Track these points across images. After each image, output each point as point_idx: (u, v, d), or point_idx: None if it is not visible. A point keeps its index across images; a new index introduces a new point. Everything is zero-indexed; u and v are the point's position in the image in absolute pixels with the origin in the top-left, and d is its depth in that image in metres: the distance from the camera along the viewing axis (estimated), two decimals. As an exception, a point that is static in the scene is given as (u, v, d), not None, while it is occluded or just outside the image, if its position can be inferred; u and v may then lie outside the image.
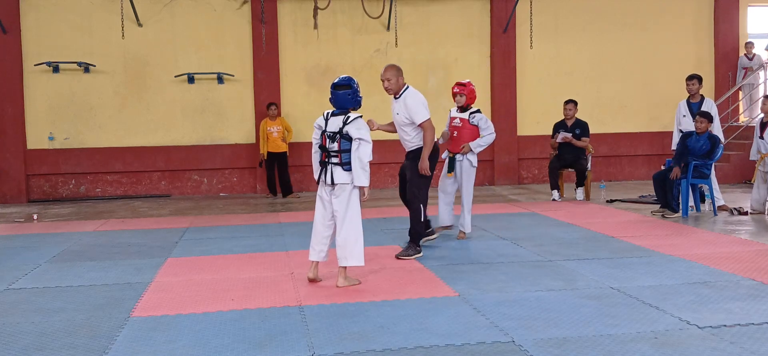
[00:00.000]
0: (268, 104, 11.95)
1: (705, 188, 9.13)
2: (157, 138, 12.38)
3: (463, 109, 7.28)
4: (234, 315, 4.62)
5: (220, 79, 12.38)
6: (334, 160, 5.29)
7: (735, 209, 8.91)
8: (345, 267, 5.37)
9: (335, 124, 5.32)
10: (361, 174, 5.25)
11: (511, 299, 4.89)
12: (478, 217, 8.79)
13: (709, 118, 8.69)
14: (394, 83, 6.29)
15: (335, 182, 5.29)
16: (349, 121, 5.29)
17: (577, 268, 5.83)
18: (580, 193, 10.54)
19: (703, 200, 9.24)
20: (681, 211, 8.68)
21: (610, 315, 4.46)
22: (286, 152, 11.93)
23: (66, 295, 5.29)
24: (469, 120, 7.23)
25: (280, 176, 11.96)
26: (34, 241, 7.77)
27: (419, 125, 6.27)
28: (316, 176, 5.47)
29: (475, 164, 7.30)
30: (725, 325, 4.19)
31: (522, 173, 13.41)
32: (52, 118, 12.09)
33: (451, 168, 7.28)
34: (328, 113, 5.43)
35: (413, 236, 6.46)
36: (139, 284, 5.59)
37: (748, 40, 13.83)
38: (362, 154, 5.25)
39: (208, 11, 12.37)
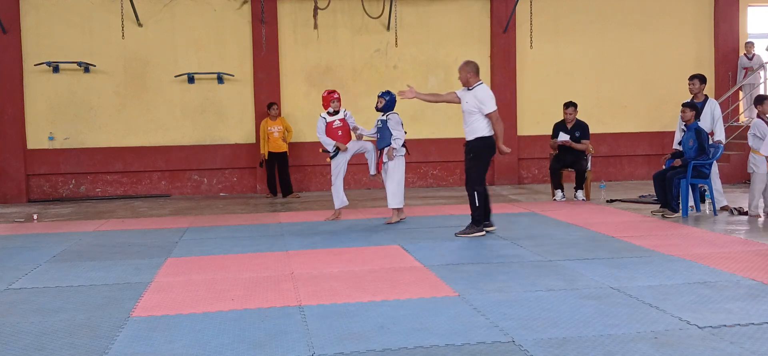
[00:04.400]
0: (268, 104, 11.95)
1: (705, 188, 9.13)
2: (157, 138, 12.39)
3: (336, 112, 8.81)
4: (234, 315, 4.62)
5: (220, 79, 12.39)
6: None
7: (735, 209, 8.91)
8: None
9: None
10: None
11: (511, 299, 4.89)
12: (478, 217, 8.81)
13: (691, 106, 8.74)
14: (470, 77, 7.42)
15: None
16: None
17: (577, 268, 5.83)
18: (579, 195, 10.47)
19: (703, 200, 9.24)
20: (681, 211, 8.68)
21: (610, 315, 4.46)
22: (286, 152, 11.93)
23: (66, 295, 5.28)
24: (345, 118, 8.82)
25: (281, 176, 11.96)
26: (34, 241, 7.77)
27: (488, 115, 7.29)
28: None
29: None
30: (725, 325, 4.19)
31: (522, 173, 13.42)
32: (52, 118, 12.09)
33: (334, 156, 8.86)
34: None
35: (472, 219, 7.45)
36: (139, 284, 5.59)
37: (748, 40, 13.83)
38: None
39: (208, 11, 12.37)
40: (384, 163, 8.49)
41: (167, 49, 12.30)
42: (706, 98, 9.30)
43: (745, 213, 8.70)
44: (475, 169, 7.40)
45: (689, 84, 9.32)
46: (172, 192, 12.52)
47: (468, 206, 7.54)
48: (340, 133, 8.77)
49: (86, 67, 11.99)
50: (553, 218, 8.71)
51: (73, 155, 12.15)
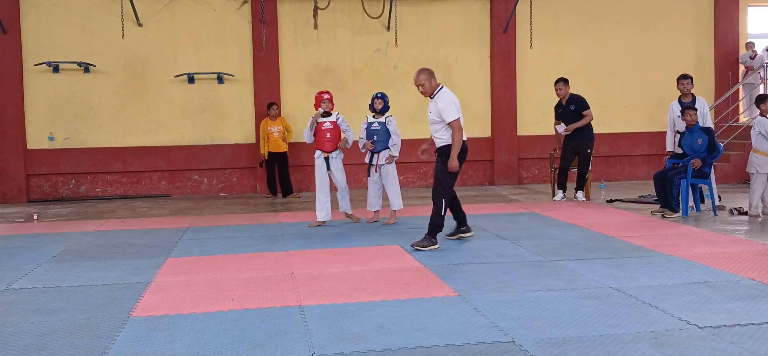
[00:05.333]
0: (268, 104, 11.95)
1: (705, 188, 9.13)
2: (157, 138, 12.38)
3: (328, 113, 8.38)
4: (234, 315, 4.62)
5: (220, 79, 12.38)
6: None
7: (735, 209, 8.90)
8: None
9: None
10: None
11: (511, 299, 4.89)
12: (479, 217, 8.80)
13: (694, 109, 8.78)
14: (428, 86, 6.83)
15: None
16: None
17: (577, 268, 5.83)
18: (579, 195, 10.38)
19: (703, 200, 9.24)
20: (681, 211, 8.67)
21: (610, 315, 4.46)
22: (286, 152, 11.93)
23: (66, 295, 5.29)
24: (337, 122, 8.37)
25: (281, 176, 11.96)
26: (34, 241, 7.77)
27: (448, 124, 6.67)
28: None
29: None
30: (725, 325, 4.19)
31: (522, 173, 13.41)
32: (52, 118, 12.09)
33: (329, 167, 8.39)
34: None
35: (431, 229, 6.77)
36: (139, 284, 5.59)
37: (749, 40, 13.84)
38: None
39: (208, 11, 12.37)
40: (380, 166, 8.41)
41: (167, 49, 12.30)
42: (694, 97, 9.41)
43: (745, 213, 8.71)
44: (450, 175, 6.77)
45: (684, 84, 9.36)
46: (172, 192, 12.51)
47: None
48: (328, 136, 8.36)
49: (86, 67, 11.99)
50: (553, 218, 8.71)
51: (73, 155, 12.14)
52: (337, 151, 8.41)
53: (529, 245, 6.88)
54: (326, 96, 8.43)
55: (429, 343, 3.96)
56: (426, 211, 9.66)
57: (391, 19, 12.47)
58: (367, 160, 8.54)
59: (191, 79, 12.29)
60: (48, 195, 12.20)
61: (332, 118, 8.41)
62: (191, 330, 4.29)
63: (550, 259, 6.23)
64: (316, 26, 11.72)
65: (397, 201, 8.50)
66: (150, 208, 10.89)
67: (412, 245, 6.80)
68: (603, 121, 13.43)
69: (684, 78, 9.39)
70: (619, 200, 10.31)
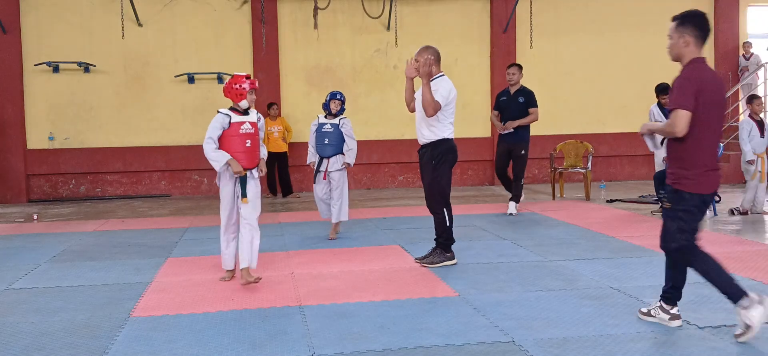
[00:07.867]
0: (268, 104, 11.95)
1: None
2: (157, 138, 12.38)
3: (246, 111, 5.57)
4: (234, 315, 4.62)
5: (220, 79, 12.38)
6: None
7: (735, 209, 8.91)
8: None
9: None
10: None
11: (511, 299, 4.89)
12: (478, 217, 8.80)
13: None
14: (418, 65, 5.93)
15: None
16: None
17: (577, 268, 5.83)
18: (512, 207, 8.96)
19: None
20: (681, 211, 8.66)
21: (610, 315, 4.47)
22: (286, 152, 11.93)
23: (66, 295, 5.29)
24: (258, 125, 5.66)
25: (281, 176, 11.96)
26: (34, 241, 7.77)
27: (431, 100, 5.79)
28: None
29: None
30: (725, 325, 4.19)
31: (522, 173, 13.40)
32: (52, 118, 12.09)
33: (245, 193, 5.77)
34: None
35: (442, 244, 6.05)
36: (139, 284, 5.60)
37: (747, 40, 13.85)
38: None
39: (208, 11, 12.37)
40: (330, 172, 7.40)
41: (167, 49, 12.30)
42: None
43: (746, 213, 8.72)
44: (445, 179, 6.02)
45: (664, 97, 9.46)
46: (172, 192, 12.51)
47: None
48: (248, 143, 5.50)
49: (86, 67, 11.99)
50: (553, 218, 8.71)
51: (73, 155, 12.14)
52: (256, 169, 5.72)
53: (529, 245, 6.88)
54: (255, 85, 5.54)
55: (429, 343, 3.96)
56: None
57: (391, 19, 12.48)
58: (315, 164, 7.49)
59: (191, 79, 12.29)
60: (48, 195, 12.20)
61: (253, 118, 5.56)
62: (191, 330, 4.29)
63: (550, 259, 6.23)
64: (316, 26, 11.72)
65: (343, 212, 7.49)
66: (150, 208, 10.89)
67: (422, 263, 6.05)
68: (603, 121, 13.45)
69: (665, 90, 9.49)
70: (619, 200, 10.32)
